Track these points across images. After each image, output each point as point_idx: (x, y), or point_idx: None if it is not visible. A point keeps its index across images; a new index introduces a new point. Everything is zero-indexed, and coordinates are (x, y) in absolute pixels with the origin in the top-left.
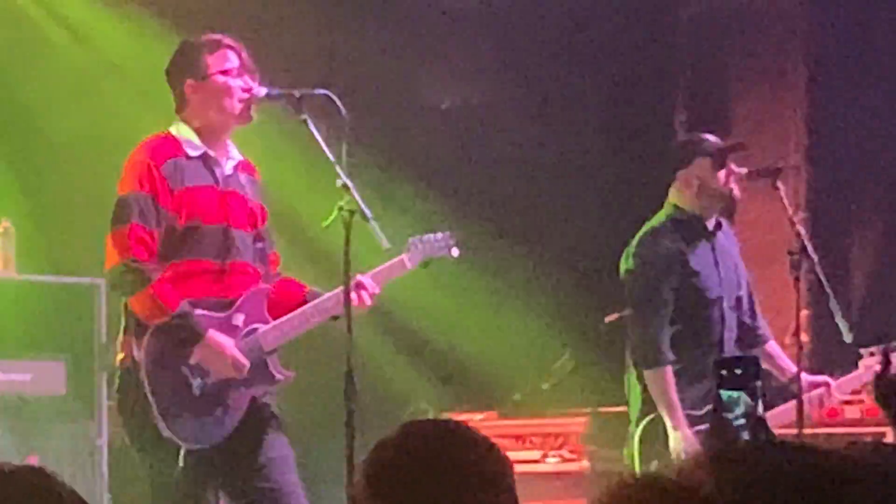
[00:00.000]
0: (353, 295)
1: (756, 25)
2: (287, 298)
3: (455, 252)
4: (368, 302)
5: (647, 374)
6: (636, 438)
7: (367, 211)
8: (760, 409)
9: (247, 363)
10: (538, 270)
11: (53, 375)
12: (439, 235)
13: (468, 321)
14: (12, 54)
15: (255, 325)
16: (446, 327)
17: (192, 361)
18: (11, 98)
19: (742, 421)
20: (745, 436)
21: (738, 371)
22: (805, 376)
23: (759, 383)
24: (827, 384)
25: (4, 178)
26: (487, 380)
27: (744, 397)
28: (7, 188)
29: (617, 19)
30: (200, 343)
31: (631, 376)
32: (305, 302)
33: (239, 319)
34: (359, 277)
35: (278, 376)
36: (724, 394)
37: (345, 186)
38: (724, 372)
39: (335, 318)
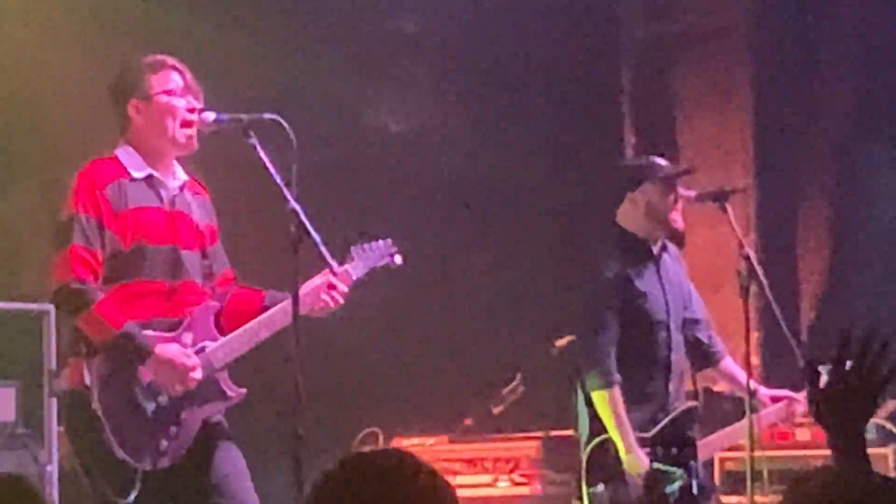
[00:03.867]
0: (325, 296)
1: (702, 48)
2: (245, 308)
3: (398, 259)
4: (341, 300)
5: (595, 395)
6: (583, 461)
7: (315, 235)
8: (695, 488)
9: (198, 362)
10: (488, 293)
11: (3, 401)
12: (380, 243)
13: (418, 344)
14: None
15: (204, 343)
16: (396, 350)
17: (144, 380)
18: None
19: (676, 496)
20: None
21: (675, 450)
22: (765, 391)
23: (693, 463)
24: (789, 397)
25: None
26: (438, 404)
27: (679, 473)
28: None
29: (563, 42)
30: (150, 359)
31: (579, 400)
32: (265, 307)
33: (188, 338)
34: (329, 277)
35: (230, 393)
36: (663, 468)
37: (293, 211)
38: (660, 449)
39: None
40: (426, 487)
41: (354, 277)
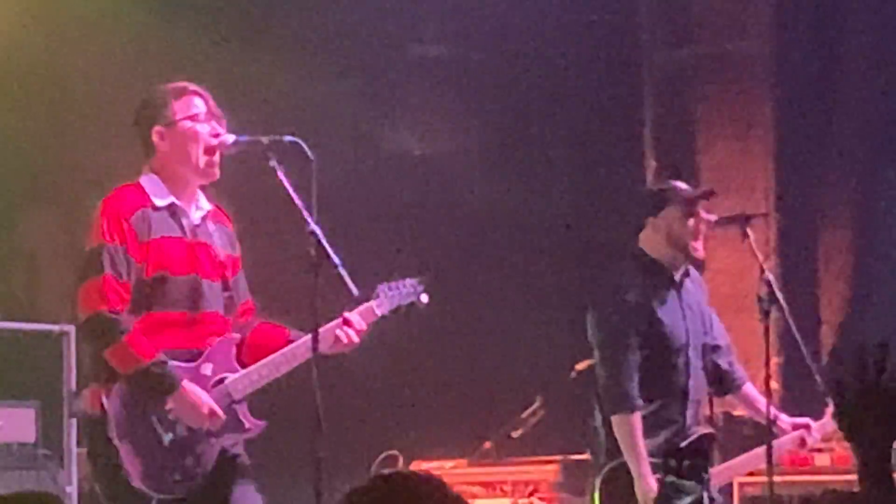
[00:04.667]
0: (341, 333)
1: (722, 73)
2: (268, 343)
3: (424, 299)
4: (356, 339)
5: (614, 419)
6: (597, 485)
7: (335, 258)
8: (706, 501)
9: (222, 415)
10: (507, 317)
11: (23, 422)
12: (408, 282)
13: (438, 368)
14: None
15: (223, 375)
16: (416, 374)
17: (165, 409)
18: None
19: None
20: None
21: (688, 463)
22: (785, 418)
23: (706, 475)
24: (807, 425)
25: None
26: (457, 427)
27: (693, 486)
28: None
29: (584, 67)
30: (175, 393)
31: (596, 423)
32: (289, 343)
33: (208, 369)
34: (345, 315)
35: (248, 426)
36: (676, 481)
37: (313, 233)
38: (673, 461)
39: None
40: None
41: (379, 314)
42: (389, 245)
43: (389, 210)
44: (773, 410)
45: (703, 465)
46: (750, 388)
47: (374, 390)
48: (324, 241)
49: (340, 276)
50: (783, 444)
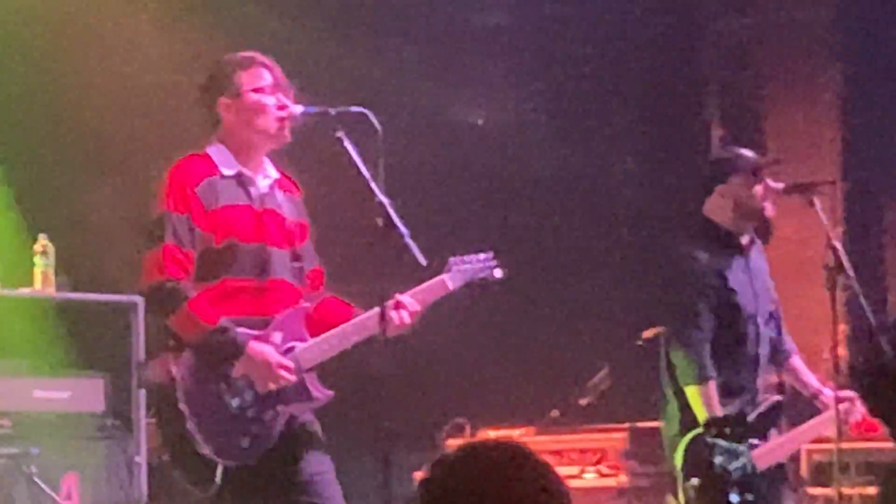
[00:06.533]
0: (394, 314)
1: (788, 39)
2: (333, 317)
3: (498, 273)
4: (408, 320)
5: (690, 390)
6: (679, 455)
7: (403, 229)
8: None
9: (292, 365)
10: (574, 285)
11: (92, 393)
12: (481, 256)
13: (505, 335)
14: (56, 60)
15: (292, 343)
16: (483, 341)
17: (234, 375)
18: (49, 111)
19: (741, 472)
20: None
21: (728, 430)
22: (830, 391)
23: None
24: (853, 398)
25: (43, 194)
26: (524, 395)
27: (743, 449)
28: (45, 204)
29: (647, 35)
30: (243, 357)
31: (668, 392)
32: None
33: (277, 337)
34: (398, 297)
35: (317, 394)
36: (725, 444)
37: (381, 204)
38: (714, 429)
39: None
40: (546, 479)
41: (451, 288)
42: (454, 216)
43: (454, 180)
44: (817, 384)
45: (749, 429)
46: (797, 361)
47: (440, 358)
48: (391, 212)
49: (408, 247)
50: (823, 421)
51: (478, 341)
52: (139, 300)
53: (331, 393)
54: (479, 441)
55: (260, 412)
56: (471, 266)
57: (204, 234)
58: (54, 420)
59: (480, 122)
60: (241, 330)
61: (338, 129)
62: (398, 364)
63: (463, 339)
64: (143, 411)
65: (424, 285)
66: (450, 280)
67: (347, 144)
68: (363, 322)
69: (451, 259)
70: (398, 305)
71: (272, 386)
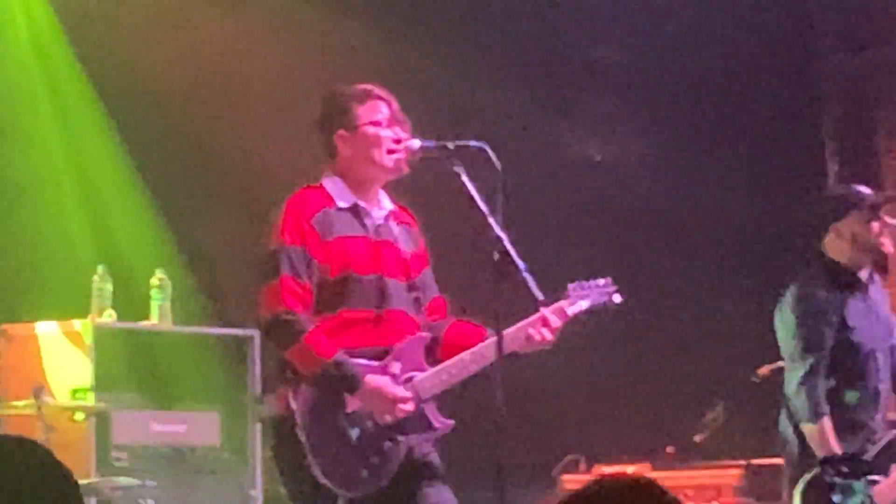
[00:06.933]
0: (534, 331)
1: None
2: (465, 341)
3: (617, 299)
4: (549, 337)
5: (805, 427)
6: (799, 493)
7: (520, 263)
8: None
9: (410, 395)
10: (689, 321)
11: (208, 426)
12: (600, 282)
13: (619, 371)
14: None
15: (411, 373)
16: (597, 377)
17: (350, 409)
18: (167, 146)
19: None
20: None
21: (846, 467)
22: None
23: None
24: None
25: (159, 230)
26: (640, 431)
27: (861, 486)
28: (161, 239)
29: (763, 71)
30: (360, 389)
31: (786, 429)
32: None
33: (396, 367)
34: (543, 312)
35: (437, 425)
36: (843, 482)
37: (498, 238)
38: (831, 468)
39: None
40: None
41: (570, 314)
42: (571, 249)
43: (571, 214)
44: None
45: (884, 468)
46: None
47: (555, 392)
48: (508, 246)
49: (525, 281)
50: None
51: (592, 377)
52: (255, 334)
53: (451, 422)
54: (609, 477)
55: (379, 443)
56: (590, 291)
57: (320, 265)
58: (170, 453)
59: (598, 157)
60: (358, 362)
61: (456, 163)
62: (512, 397)
63: (577, 374)
64: (258, 445)
65: (545, 310)
66: (568, 306)
67: (465, 179)
68: (481, 351)
69: (570, 285)
70: (543, 322)
71: (389, 418)
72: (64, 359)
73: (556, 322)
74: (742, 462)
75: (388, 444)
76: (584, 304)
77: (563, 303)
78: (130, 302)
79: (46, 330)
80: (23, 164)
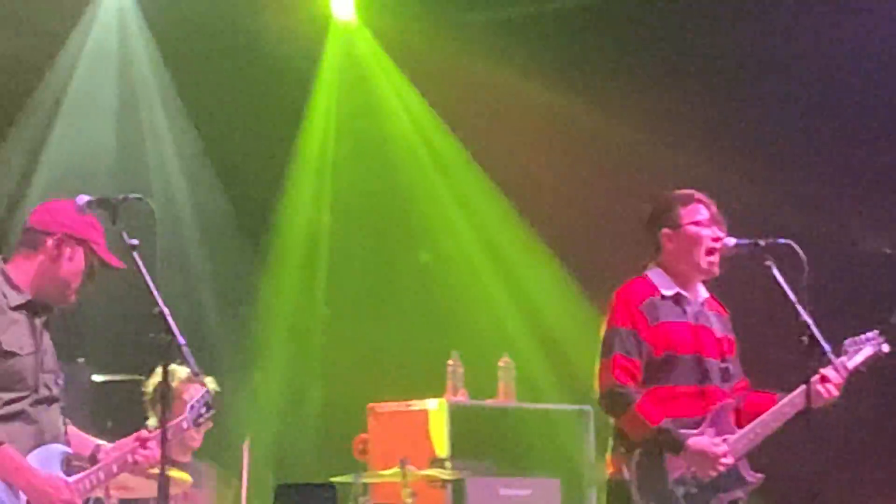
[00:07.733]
0: (821, 388)
1: None
2: (759, 409)
3: (885, 348)
4: (835, 392)
5: None
6: None
7: (826, 346)
8: None
9: (727, 449)
10: None
11: (550, 491)
12: (869, 334)
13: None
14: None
15: (724, 437)
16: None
17: (676, 475)
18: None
19: None
20: None
21: None
22: None
23: None
24: None
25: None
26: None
27: None
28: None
29: None
30: (685, 451)
31: None
32: None
33: (710, 432)
34: (822, 371)
35: (750, 479)
36: None
37: (805, 324)
38: None
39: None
40: None
41: (850, 367)
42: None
43: (866, 307)
44: None
45: None
46: None
47: (850, 447)
48: (815, 331)
49: (831, 362)
50: None
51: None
52: (590, 409)
53: (761, 476)
54: None
55: (703, 499)
56: (863, 345)
57: (648, 346)
58: None
59: (888, 250)
60: (679, 430)
61: (767, 258)
62: (810, 452)
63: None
64: None
65: (828, 368)
66: (848, 361)
67: (775, 272)
68: (780, 410)
69: (846, 341)
70: (823, 379)
71: (713, 473)
72: (423, 433)
73: (837, 378)
74: None
75: (711, 500)
76: (859, 358)
77: (843, 358)
78: (478, 381)
79: (408, 408)
80: None
